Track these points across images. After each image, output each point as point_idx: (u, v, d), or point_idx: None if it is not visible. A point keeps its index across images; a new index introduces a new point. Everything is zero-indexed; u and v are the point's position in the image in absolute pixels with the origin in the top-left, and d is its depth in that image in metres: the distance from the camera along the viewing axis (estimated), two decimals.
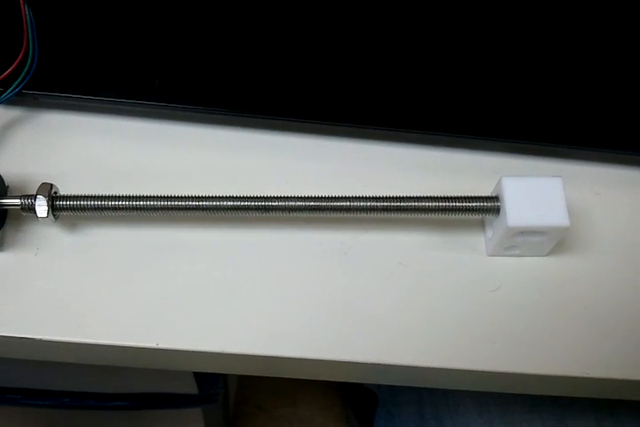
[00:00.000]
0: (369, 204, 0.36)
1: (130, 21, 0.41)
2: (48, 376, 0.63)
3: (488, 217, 0.37)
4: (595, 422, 0.49)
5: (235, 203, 0.36)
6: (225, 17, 0.41)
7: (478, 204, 0.36)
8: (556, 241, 0.36)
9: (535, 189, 0.35)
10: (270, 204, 0.36)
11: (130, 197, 0.36)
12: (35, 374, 0.62)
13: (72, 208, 0.36)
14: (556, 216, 0.35)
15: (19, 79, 0.38)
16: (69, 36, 0.40)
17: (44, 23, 0.39)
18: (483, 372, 0.35)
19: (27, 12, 0.38)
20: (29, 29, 0.38)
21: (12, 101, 0.39)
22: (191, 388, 0.64)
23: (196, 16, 0.41)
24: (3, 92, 0.38)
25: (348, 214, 0.36)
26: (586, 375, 0.35)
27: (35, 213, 0.35)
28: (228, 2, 0.42)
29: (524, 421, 0.50)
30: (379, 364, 0.35)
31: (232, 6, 0.42)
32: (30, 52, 0.38)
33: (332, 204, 0.36)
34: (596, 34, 0.43)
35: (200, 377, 0.61)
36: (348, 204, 0.36)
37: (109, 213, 0.36)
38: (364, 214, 0.36)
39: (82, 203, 0.36)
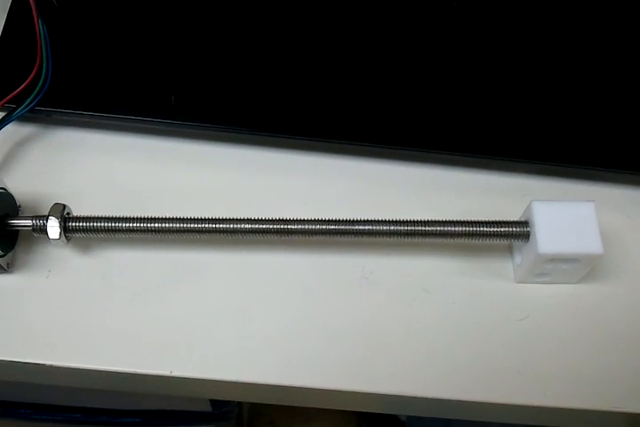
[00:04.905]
0: (392, 228, 0.35)
1: (146, 37, 0.40)
2: (60, 391, 0.62)
3: (517, 243, 0.35)
4: None
5: (253, 226, 0.34)
6: (246, 35, 0.40)
7: (507, 229, 0.34)
8: (589, 268, 0.35)
9: (567, 214, 0.34)
10: (290, 227, 0.35)
11: (144, 218, 0.35)
12: (46, 389, 0.62)
13: (85, 230, 0.35)
14: (589, 243, 0.33)
15: (32, 95, 0.37)
16: (84, 52, 0.39)
17: (57, 39, 0.38)
18: (509, 405, 0.34)
19: (41, 28, 0.37)
20: (43, 45, 0.37)
21: (24, 118, 0.38)
22: (205, 405, 0.63)
23: (217, 32, 0.40)
24: (15, 109, 0.37)
25: (371, 238, 0.35)
26: (616, 410, 0.34)
27: (46, 234, 0.34)
28: (249, 23, 0.41)
29: None
30: (401, 395, 0.34)
31: (253, 25, 0.41)
32: (44, 68, 0.37)
33: (353, 227, 0.35)
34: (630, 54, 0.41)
35: None
36: (370, 227, 0.35)
37: (123, 235, 0.35)
38: (387, 238, 0.35)
39: (95, 224, 0.34)
